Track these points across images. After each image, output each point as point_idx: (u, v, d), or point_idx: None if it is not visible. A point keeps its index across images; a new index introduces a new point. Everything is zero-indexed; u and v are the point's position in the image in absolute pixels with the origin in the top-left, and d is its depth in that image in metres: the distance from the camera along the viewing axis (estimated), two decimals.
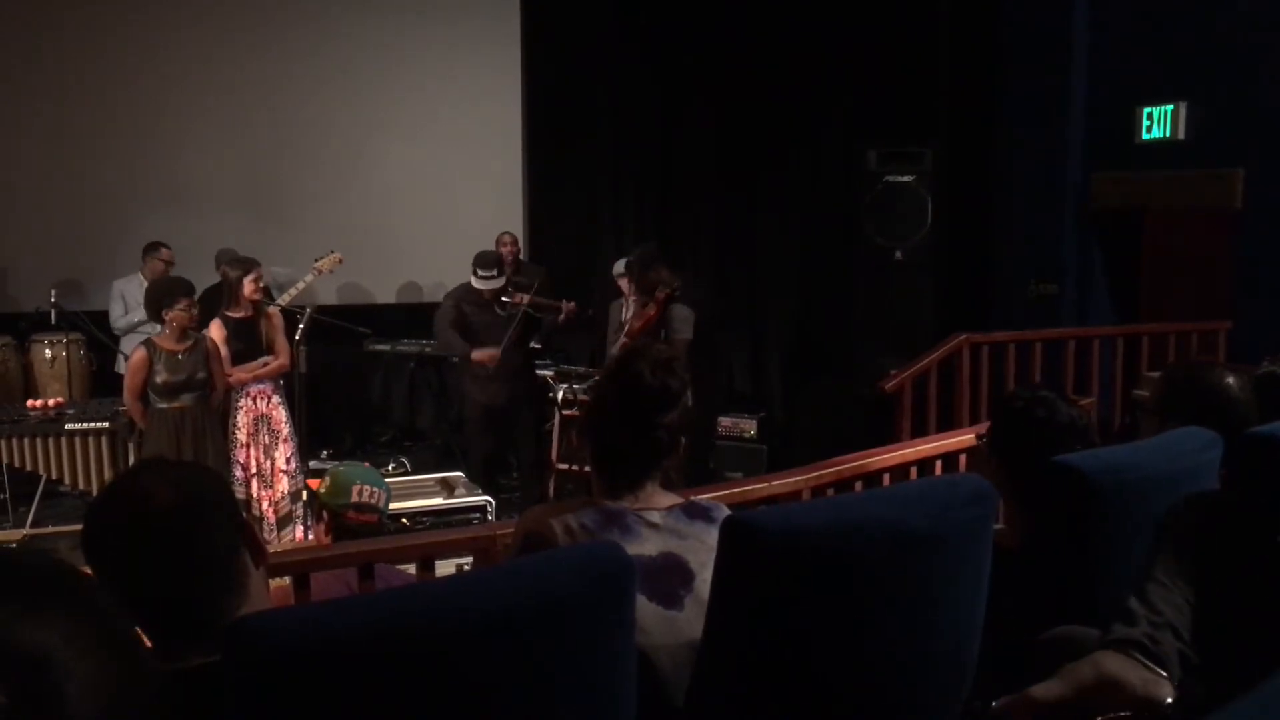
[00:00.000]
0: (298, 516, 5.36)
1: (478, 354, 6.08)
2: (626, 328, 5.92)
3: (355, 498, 3.08)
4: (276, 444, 5.47)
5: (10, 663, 0.69)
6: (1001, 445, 2.38)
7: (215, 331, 5.37)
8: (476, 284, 6.10)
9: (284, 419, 5.52)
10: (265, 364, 5.45)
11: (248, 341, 5.43)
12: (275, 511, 5.41)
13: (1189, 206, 6.68)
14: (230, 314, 5.43)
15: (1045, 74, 7.21)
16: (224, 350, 5.36)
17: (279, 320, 5.58)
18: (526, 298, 6.25)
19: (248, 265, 5.47)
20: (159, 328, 5.24)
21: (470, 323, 6.22)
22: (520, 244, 7.69)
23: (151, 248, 6.98)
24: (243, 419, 5.42)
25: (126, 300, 6.99)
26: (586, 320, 6.85)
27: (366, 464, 3.34)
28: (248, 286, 5.38)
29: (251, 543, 1.54)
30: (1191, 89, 6.48)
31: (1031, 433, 2.32)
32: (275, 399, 5.51)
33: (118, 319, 7.01)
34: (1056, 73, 7.12)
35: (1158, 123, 6.65)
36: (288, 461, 5.48)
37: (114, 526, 1.46)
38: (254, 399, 5.44)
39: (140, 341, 5.41)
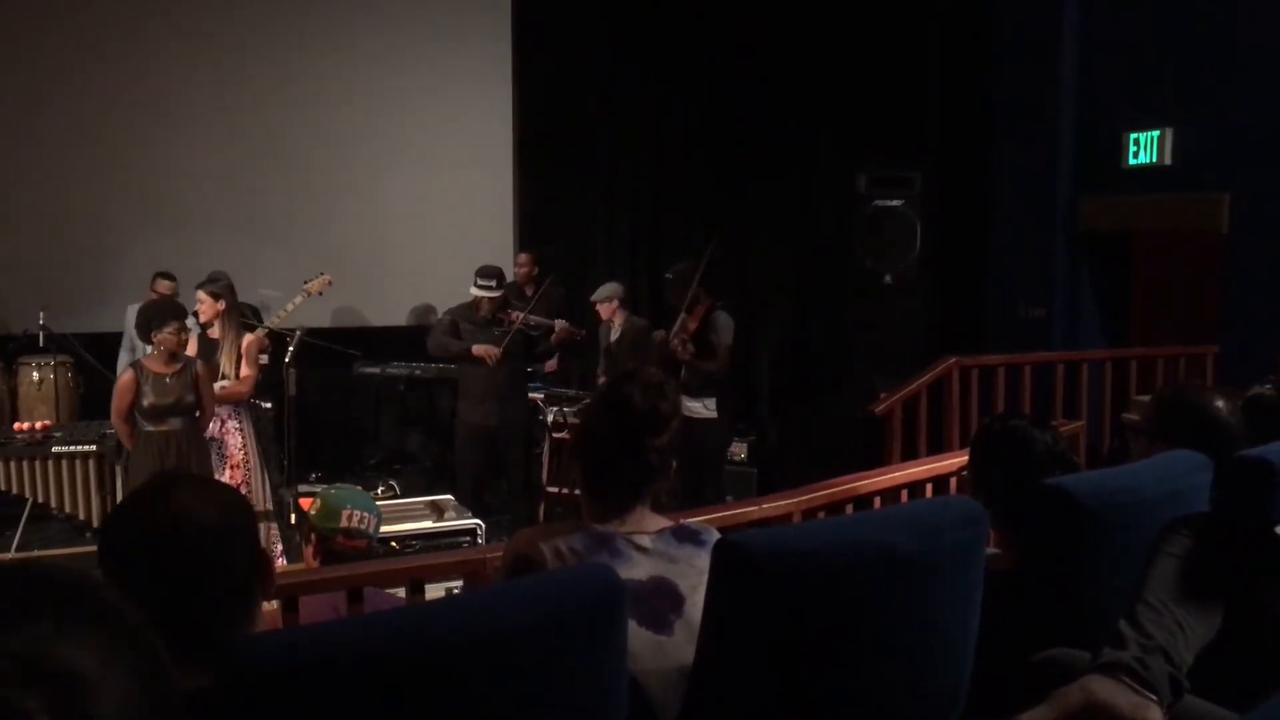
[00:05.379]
0: None
1: (478, 348, 6.05)
2: (676, 331, 5.94)
3: (345, 523, 3.02)
4: (223, 468, 5.38)
5: (46, 681, 0.68)
6: (981, 480, 2.39)
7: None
8: (476, 292, 6.14)
9: (238, 446, 5.42)
10: (223, 388, 5.42)
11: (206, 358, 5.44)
12: None
13: (1176, 230, 6.72)
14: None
15: (1033, 99, 7.27)
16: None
17: (251, 346, 5.53)
18: (522, 315, 6.25)
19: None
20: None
21: (466, 339, 6.22)
22: (535, 264, 7.67)
23: (155, 277, 6.87)
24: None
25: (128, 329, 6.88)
26: (578, 342, 6.83)
27: (358, 487, 3.27)
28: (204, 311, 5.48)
29: (265, 572, 1.51)
30: (1177, 115, 6.54)
31: (1009, 467, 2.33)
32: (231, 424, 5.42)
33: (124, 348, 6.91)
34: (1045, 98, 7.18)
35: (1144, 148, 6.71)
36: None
37: (144, 539, 1.41)
38: (214, 420, 5.42)
39: (129, 363, 5.38)
